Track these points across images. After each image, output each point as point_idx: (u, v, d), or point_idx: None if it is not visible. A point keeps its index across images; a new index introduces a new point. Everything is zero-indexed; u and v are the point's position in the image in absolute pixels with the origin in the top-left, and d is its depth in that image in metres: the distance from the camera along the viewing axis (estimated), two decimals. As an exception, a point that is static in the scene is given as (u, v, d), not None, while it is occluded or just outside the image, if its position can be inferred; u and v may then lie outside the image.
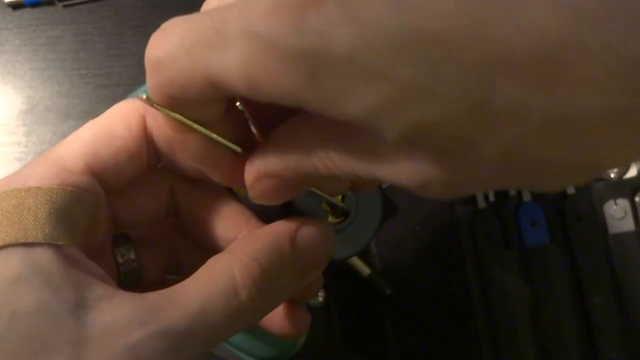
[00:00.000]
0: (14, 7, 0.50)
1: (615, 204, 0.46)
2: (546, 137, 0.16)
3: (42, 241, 0.21)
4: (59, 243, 0.21)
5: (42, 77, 0.49)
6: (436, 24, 0.15)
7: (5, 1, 0.49)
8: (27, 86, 0.49)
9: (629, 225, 0.46)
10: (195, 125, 0.22)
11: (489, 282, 0.46)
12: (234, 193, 0.28)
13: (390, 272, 0.46)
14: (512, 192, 0.47)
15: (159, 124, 0.23)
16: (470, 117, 0.16)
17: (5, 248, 0.20)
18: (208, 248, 0.26)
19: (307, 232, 0.25)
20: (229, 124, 0.23)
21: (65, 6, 0.49)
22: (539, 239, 0.46)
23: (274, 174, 0.22)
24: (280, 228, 0.24)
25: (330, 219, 0.37)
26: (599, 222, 0.46)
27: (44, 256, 0.21)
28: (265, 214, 0.27)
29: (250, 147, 0.23)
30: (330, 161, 0.20)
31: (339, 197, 0.36)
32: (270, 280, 0.23)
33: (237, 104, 0.24)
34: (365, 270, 0.45)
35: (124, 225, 0.26)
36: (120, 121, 0.24)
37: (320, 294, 0.44)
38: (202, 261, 0.23)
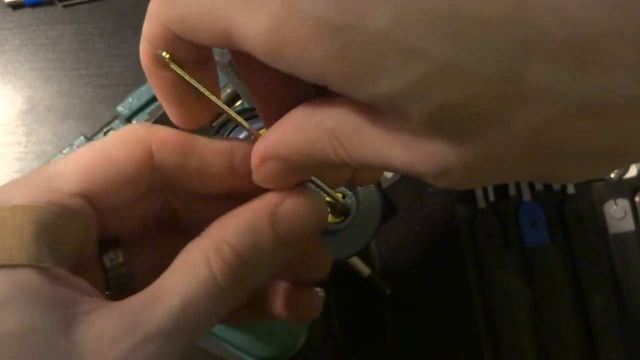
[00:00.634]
0: (14, 7, 0.50)
1: (615, 204, 0.46)
2: (576, 121, 0.17)
3: (26, 263, 0.20)
4: (44, 265, 0.21)
5: (42, 77, 0.49)
6: (475, 6, 0.15)
7: (5, 1, 0.49)
8: (27, 86, 0.49)
9: (629, 225, 0.46)
10: (184, 75, 0.22)
11: (489, 282, 0.46)
12: None
13: (390, 272, 0.46)
14: (512, 192, 0.47)
15: (167, 148, 0.23)
16: (501, 98, 0.16)
17: None
18: None
19: (289, 205, 0.23)
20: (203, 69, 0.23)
21: (65, 6, 0.49)
22: (539, 239, 0.46)
23: (282, 156, 0.22)
24: (260, 204, 0.23)
25: (330, 219, 0.37)
26: (599, 222, 0.46)
27: (28, 277, 0.20)
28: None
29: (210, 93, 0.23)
30: (341, 146, 0.20)
31: (339, 196, 0.36)
32: (245, 263, 0.22)
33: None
34: (365, 270, 0.45)
35: (113, 233, 0.26)
36: (122, 146, 0.23)
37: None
38: None
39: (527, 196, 0.46)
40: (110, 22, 0.49)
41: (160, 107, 0.45)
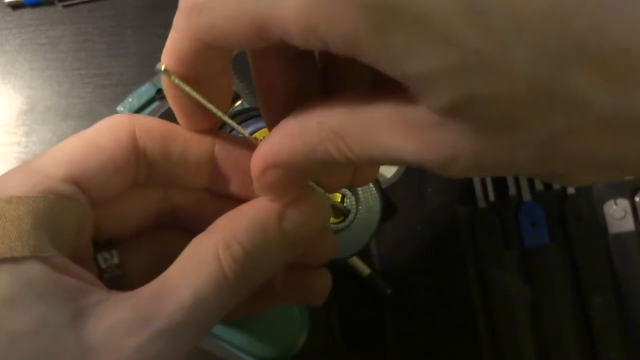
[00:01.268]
0: (14, 7, 0.50)
1: (615, 204, 0.46)
2: (598, 131, 0.17)
3: (28, 254, 0.20)
4: (46, 255, 0.20)
5: (42, 77, 0.49)
6: (518, 2, 0.15)
7: (5, 1, 0.49)
8: (27, 86, 0.49)
9: (629, 225, 0.46)
10: (184, 87, 0.22)
11: (489, 282, 0.46)
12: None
13: (390, 272, 0.46)
14: (512, 192, 0.47)
15: (150, 134, 0.24)
16: (529, 99, 0.16)
17: None
18: None
19: (297, 206, 0.24)
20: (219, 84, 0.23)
21: (65, 6, 0.49)
22: (539, 239, 0.46)
23: (283, 162, 0.22)
24: (268, 203, 0.24)
25: (330, 219, 0.37)
26: (599, 222, 0.46)
27: (33, 270, 0.20)
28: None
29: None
30: (345, 145, 0.20)
31: (339, 197, 0.36)
32: (253, 260, 0.23)
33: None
34: (365, 270, 0.45)
35: (108, 233, 0.26)
36: (107, 133, 0.24)
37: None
38: None
39: (527, 196, 0.46)
40: (110, 22, 0.49)
41: (159, 107, 0.45)
